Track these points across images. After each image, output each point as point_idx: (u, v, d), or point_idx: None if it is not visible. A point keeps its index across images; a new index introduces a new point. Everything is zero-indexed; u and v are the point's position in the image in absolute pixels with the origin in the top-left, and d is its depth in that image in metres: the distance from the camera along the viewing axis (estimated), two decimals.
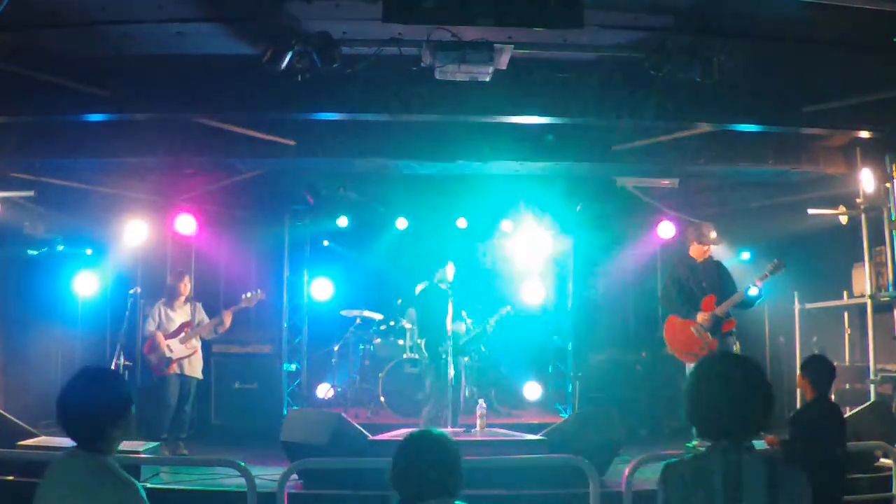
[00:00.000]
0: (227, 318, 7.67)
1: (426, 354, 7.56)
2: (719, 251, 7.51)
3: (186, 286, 7.71)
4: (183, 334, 7.52)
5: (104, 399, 2.56)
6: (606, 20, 5.07)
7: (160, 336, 7.44)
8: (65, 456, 2.58)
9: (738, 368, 2.44)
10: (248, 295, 7.78)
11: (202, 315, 7.74)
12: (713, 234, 7.08)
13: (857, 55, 5.52)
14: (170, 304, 7.66)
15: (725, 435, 2.39)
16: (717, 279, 6.98)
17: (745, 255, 8.99)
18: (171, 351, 7.43)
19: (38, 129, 6.78)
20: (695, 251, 7.10)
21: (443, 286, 7.61)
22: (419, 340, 7.82)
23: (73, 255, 8.96)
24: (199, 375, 7.66)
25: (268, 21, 5.07)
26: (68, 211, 8.75)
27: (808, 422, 4.44)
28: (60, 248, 8.56)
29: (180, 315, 7.62)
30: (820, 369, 4.58)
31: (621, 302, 10.54)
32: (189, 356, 7.52)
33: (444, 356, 7.40)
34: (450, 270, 7.69)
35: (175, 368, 7.44)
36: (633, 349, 9.81)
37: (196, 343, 7.62)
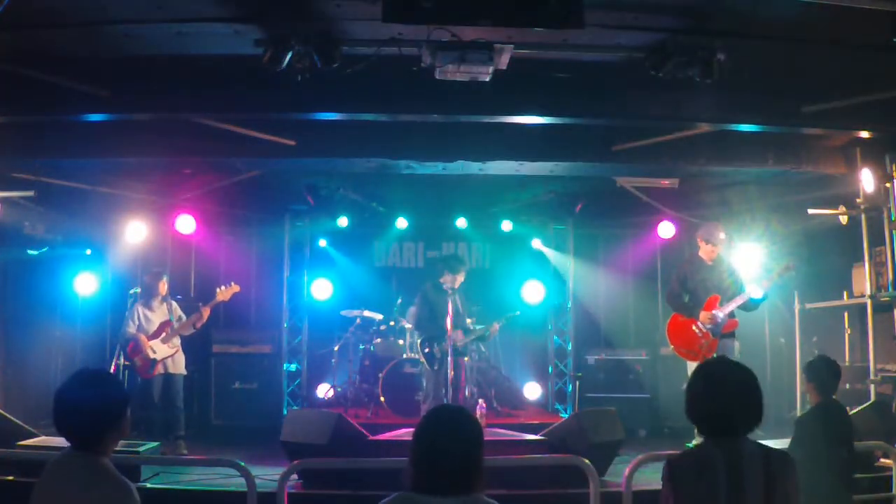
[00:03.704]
0: (206, 313, 7.61)
1: (420, 352, 7.56)
2: (726, 251, 7.49)
3: (164, 286, 7.65)
4: (164, 334, 7.49)
5: (100, 401, 2.56)
6: (606, 20, 5.06)
7: (143, 338, 7.39)
8: (61, 457, 2.58)
9: (735, 372, 2.66)
10: (222, 288, 7.70)
11: (179, 312, 7.69)
12: (722, 235, 7.07)
13: (857, 55, 5.52)
14: (147, 304, 7.61)
15: (725, 433, 2.59)
16: (724, 279, 6.94)
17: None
18: (154, 352, 7.38)
19: (38, 129, 6.77)
20: (704, 251, 7.07)
21: (446, 287, 7.61)
22: (417, 339, 7.82)
23: (73, 255, 8.97)
24: (184, 371, 7.62)
25: (267, 21, 5.07)
26: (68, 211, 8.76)
27: (812, 425, 4.44)
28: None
29: (158, 315, 7.58)
30: (822, 372, 4.58)
31: (621, 302, 10.55)
32: (172, 355, 7.49)
33: (438, 355, 7.40)
34: (459, 278, 7.66)
35: (160, 369, 7.40)
36: (633, 349, 9.81)
37: (177, 341, 7.57)
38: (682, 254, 8.79)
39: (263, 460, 6.37)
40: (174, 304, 7.75)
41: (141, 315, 7.54)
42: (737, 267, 7.23)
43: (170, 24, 5.16)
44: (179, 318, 7.63)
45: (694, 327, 6.82)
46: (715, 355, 6.69)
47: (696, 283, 6.99)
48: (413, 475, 2.34)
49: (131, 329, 7.47)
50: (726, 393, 2.59)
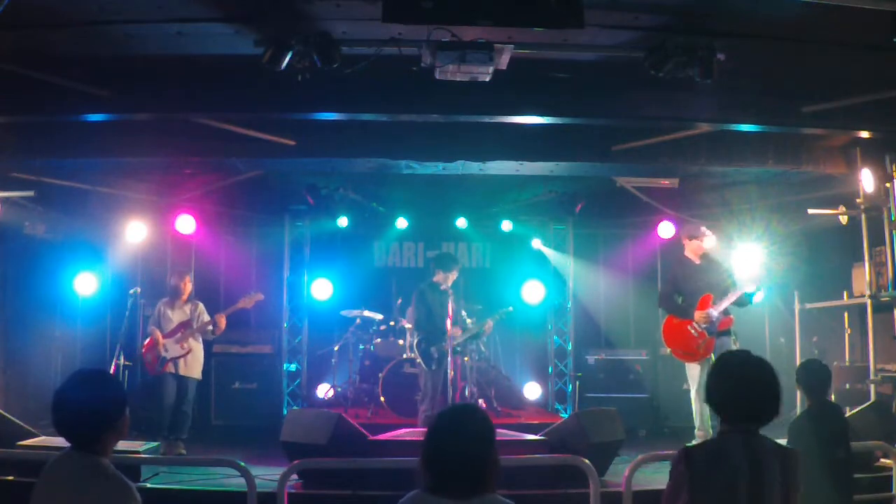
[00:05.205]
0: (222, 322, 7.63)
1: (417, 353, 7.54)
2: (718, 249, 7.50)
3: (188, 285, 7.68)
4: (179, 334, 7.50)
5: (99, 401, 2.56)
6: (606, 20, 5.06)
7: (157, 334, 7.45)
8: (61, 457, 2.58)
9: (757, 365, 2.79)
10: (247, 297, 7.77)
11: (204, 315, 7.70)
12: (704, 229, 7.09)
13: (857, 55, 5.52)
14: (170, 303, 7.66)
15: (746, 420, 2.71)
16: (715, 277, 6.96)
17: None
18: (165, 350, 7.41)
19: (38, 129, 6.78)
20: (690, 249, 7.10)
21: (442, 287, 7.59)
22: (415, 339, 7.81)
23: (73, 255, 8.97)
24: (197, 375, 7.59)
25: (268, 21, 5.07)
26: (68, 211, 8.76)
27: (803, 427, 4.45)
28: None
29: (178, 315, 7.60)
30: (810, 375, 4.58)
31: (621, 302, 10.55)
32: (184, 356, 7.47)
33: (436, 355, 7.40)
34: (451, 276, 7.65)
35: (170, 368, 7.41)
36: (633, 349, 9.81)
37: (192, 343, 7.55)
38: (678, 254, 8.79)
39: (263, 460, 6.37)
40: (201, 306, 7.75)
41: (162, 313, 7.61)
42: (729, 264, 7.24)
43: (170, 24, 5.16)
44: (200, 322, 7.64)
45: (689, 328, 6.82)
46: (713, 354, 6.71)
47: (687, 283, 7.00)
48: (425, 477, 2.32)
49: (151, 326, 7.56)
50: (752, 379, 2.73)
